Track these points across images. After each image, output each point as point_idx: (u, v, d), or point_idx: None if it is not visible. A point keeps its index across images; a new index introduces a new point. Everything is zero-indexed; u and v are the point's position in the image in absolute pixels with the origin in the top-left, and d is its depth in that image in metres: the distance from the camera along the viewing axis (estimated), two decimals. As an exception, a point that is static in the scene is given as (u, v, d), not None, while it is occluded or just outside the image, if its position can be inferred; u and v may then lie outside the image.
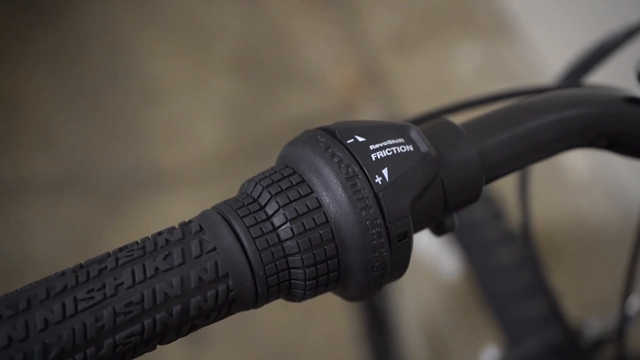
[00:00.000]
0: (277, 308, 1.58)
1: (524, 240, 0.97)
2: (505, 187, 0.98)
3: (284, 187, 0.39)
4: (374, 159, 0.40)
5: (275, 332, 1.65)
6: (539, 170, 1.72)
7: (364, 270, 0.40)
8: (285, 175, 0.40)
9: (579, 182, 1.81)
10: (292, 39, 1.99)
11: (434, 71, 1.90)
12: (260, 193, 0.39)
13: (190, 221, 0.39)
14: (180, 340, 1.44)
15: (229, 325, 1.56)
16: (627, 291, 0.75)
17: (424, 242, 1.22)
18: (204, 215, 0.39)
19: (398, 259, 0.41)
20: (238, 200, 0.40)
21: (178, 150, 1.83)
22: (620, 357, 0.84)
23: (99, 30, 2.05)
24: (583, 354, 0.90)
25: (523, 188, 0.69)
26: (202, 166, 1.79)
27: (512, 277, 1.00)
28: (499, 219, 1.05)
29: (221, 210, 0.39)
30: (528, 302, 0.97)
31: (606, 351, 0.89)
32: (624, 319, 0.82)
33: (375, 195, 0.40)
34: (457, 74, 1.90)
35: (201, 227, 0.38)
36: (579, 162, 1.78)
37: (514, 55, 1.89)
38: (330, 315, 1.55)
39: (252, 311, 1.42)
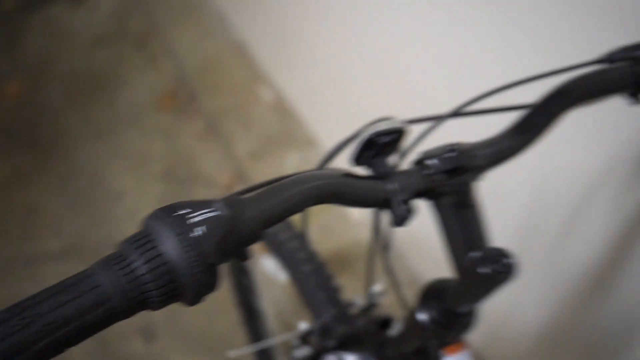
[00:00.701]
0: (196, 310, 1.55)
1: (314, 257, 1.02)
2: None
3: (140, 244, 0.38)
4: (192, 222, 0.39)
5: (198, 323, 1.64)
6: (333, 215, 1.78)
7: (190, 288, 0.38)
8: (141, 237, 0.38)
9: (357, 221, 1.79)
10: (196, 157, 2.02)
11: (274, 169, 1.92)
12: (126, 248, 0.38)
13: (85, 269, 0.37)
14: (137, 336, 1.48)
15: (168, 324, 1.62)
16: (370, 281, 0.76)
17: (268, 264, 1.20)
18: (95, 264, 0.37)
19: (210, 280, 0.39)
20: (115, 253, 0.38)
21: (135, 228, 1.79)
22: (370, 319, 0.85)
23: (83, 160, 2.04)
24: (352, 319, 0.90)
25: (304, 228, 0.67)
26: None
27: (312, 279, 0.99)
28: (305, 246, 1.03)
29: (104, 260, 0.37)
30: (321, 292, 0.97)
31: (365, 315, 0.88)
32: (371, 298, 0.86)
33: (193, 243, 0.38)
34: (286, 169, 1.89)
35: (92, 273, 0.36)
36: (356, 209, 1.77)
37: (318, 157, 1.90)
38: (227, 310, 1.53)
39: (180, 311, 1.46)
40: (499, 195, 1.17)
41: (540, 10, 0.90)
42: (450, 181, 0.51)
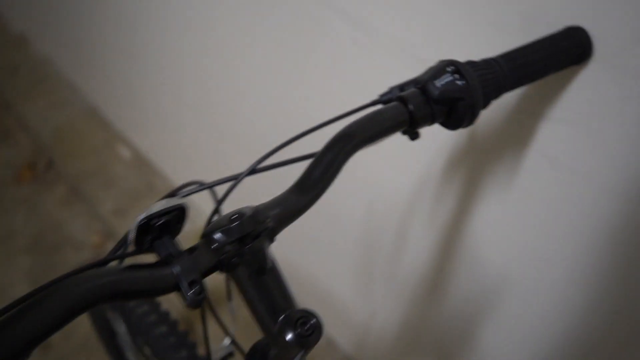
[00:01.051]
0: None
1: (167, 318, 0.92)
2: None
3: None
4: None
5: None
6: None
7: None
8: None
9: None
10: (62, 223, 1.83)
11: (141, 222, 1.80)
12: None
13: None
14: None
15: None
16: (207, 342, 0.68)
17: (122, 328, 1.04)
18: None
19: None
20: None
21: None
22: None
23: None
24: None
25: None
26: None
27: (167, 339, 0.90)
28: (157, 308, 0.95)
29: None
30: (178, 351, 0.88)
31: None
32: (224, 350, 0.80)
33: None
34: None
35: None
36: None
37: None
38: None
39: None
40: (335, 219, 1.12)
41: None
42: (242, 250, 0.42)
